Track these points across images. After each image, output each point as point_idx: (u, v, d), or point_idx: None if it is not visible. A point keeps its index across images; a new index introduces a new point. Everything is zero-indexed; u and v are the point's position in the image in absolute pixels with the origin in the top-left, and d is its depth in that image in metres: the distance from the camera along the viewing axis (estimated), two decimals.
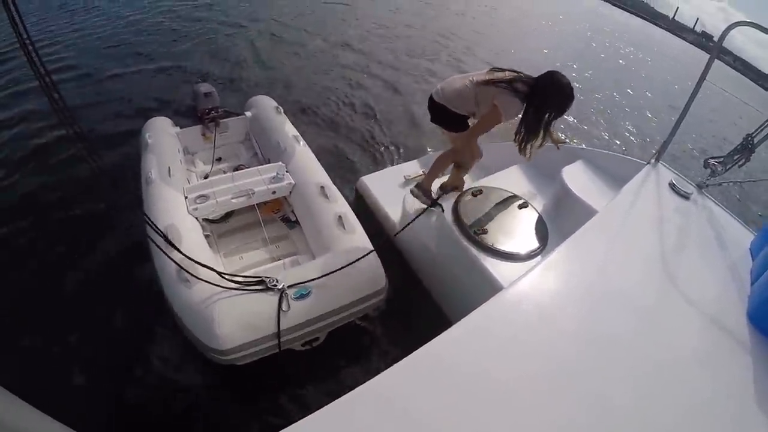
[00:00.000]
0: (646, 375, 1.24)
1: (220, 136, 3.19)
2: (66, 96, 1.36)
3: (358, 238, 2.20)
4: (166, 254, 1.77)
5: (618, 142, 6.68)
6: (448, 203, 2.45)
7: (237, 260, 2.45)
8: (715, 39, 2.30)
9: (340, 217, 2.27)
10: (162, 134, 2.88)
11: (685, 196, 2.21)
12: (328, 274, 1.91)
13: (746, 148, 2.22)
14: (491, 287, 1.99)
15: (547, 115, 2.12)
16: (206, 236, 2.34)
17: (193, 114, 3.17)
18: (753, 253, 1.96)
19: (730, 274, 1.79)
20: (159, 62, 5.71)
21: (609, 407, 1.11)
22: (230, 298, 1.76)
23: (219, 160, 3.21)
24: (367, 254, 2.07)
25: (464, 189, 2.58)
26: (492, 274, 2.07)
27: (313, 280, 1.88)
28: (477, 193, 2.56)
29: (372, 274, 2.06)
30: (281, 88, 5.39)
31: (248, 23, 7.83)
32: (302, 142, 2.90)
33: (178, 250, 1.79)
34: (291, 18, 8.67)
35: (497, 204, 2.54)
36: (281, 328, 1.75)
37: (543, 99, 2.09)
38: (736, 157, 2.28)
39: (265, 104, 3.31)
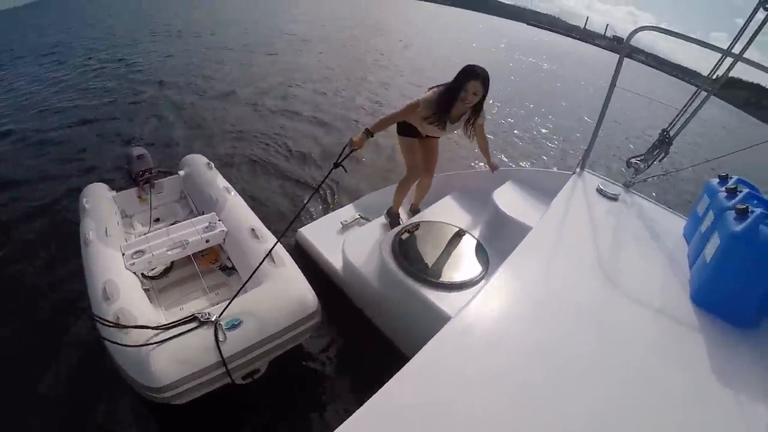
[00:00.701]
0: (607, 380, 1.23)
1: (156, 197, 3.31)
2: None
3: (288, 269, 2.34)
4: (102, 336, 1.89)
5: (545, 157, 7.20)
6: (386, 243, 2.47)
7: (178, 311, 2.54)
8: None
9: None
10: (99, 199, 2.99)
11: (614, 198, 2.32)
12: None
13: (664, 142, 2.33)
14: (440, 320, 1.99)
15: (455, 90, 2.35)
16: (146, 290, 2.44)
17: (127, 177, 3.28)
18: (687, 238, 2.02)
19: (669, 262, 1.84)
20: (87, 125, 5.81)
21: (576, 418, 1.10)
22: (166, 338, 1.84)
23: (157, 221, 3.31)
24: (296, 280, 2.25)
25: (400, 226, 2.65)
26: (439, 307, 2.05)
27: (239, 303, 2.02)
28: (414, 228, 2.60)
29: (303, 298, 2.18)
30: (210, 143, 5.55)
31: (170, 80, 8.03)
32: (233, 192, 3.08)
33: (107, 323, 1.89)
34: (211, 72, 8.97)
35: (435, 236, 2.58)
36: (216, 360, 1.84)
37: (454, 79, 2.39)
38: (655, 153, 2.38)
39: (197, 162, 3.49)
